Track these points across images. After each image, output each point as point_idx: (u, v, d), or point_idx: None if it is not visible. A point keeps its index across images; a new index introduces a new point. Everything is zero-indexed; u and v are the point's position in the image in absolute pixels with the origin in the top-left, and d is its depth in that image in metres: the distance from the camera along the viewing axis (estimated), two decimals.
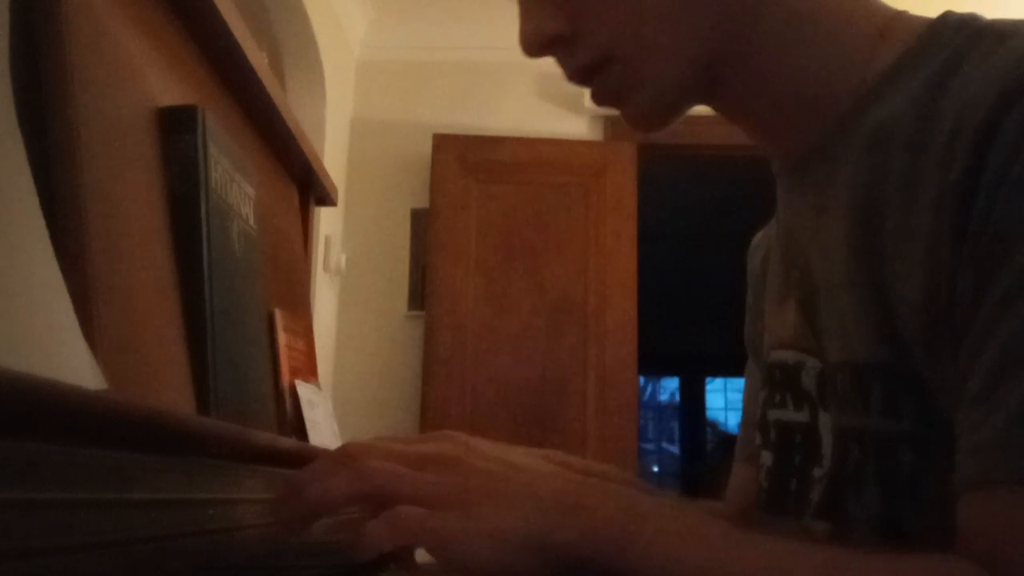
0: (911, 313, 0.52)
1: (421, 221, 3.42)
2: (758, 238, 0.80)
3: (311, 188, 1.35)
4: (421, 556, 0.52)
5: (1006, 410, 0.45)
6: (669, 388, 10.32)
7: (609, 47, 0.60)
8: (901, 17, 0.60)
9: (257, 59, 0.97)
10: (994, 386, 0.45)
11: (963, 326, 0.48)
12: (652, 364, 7.38)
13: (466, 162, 3.37)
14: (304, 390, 1.06)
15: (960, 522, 0.47)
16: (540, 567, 0.46)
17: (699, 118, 0.69)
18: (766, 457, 0.69)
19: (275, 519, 0.53)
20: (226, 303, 0.75)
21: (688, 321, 7.57)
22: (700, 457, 9.37)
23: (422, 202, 3.41)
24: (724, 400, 10.15)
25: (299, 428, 1.03)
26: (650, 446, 10.03)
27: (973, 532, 0.46)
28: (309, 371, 1.14)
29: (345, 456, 0.51)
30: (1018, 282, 0.45)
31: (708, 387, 9.82)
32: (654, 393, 10.38)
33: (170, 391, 0.63)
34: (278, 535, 0.57)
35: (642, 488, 0.77)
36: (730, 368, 9.01)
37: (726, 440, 9.65)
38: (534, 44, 0.61)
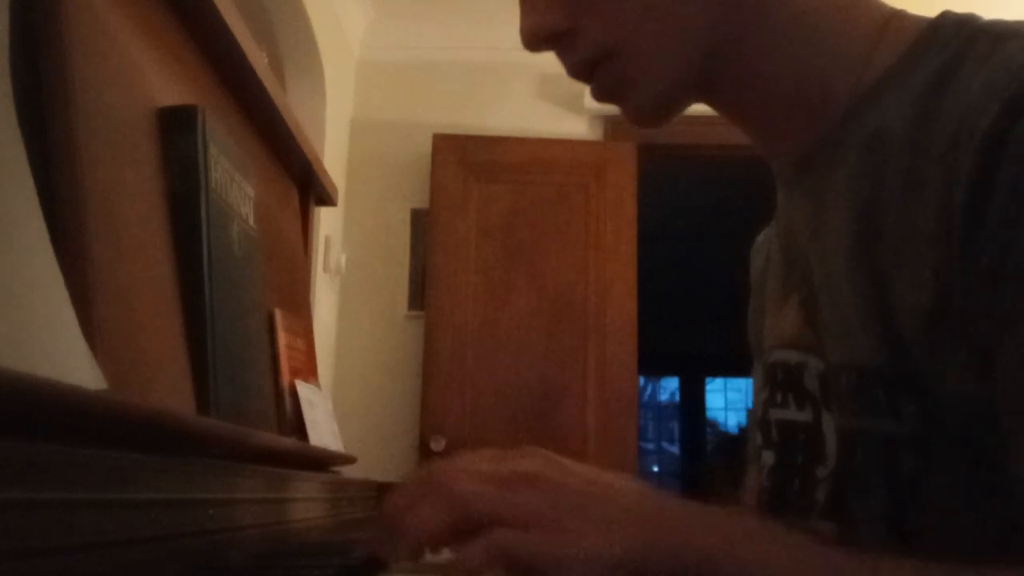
0: (912, 314, 0.52)
1: (421, 221, 3.42)
2: (760, 238, 0.80)
3: (311, 188, 1.35)
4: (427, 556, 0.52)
5: None
6: (669, 388, 10.32)
7: (608, 42, 0.60)
8: (899, 16, 0.60)
9: (257, 59, 0.97)
10: None
11: (977, 335, 0.48)
12: (652, 364, 7.38)
13: (466, 162, 3.36)
14: (304, 390, 1.06)
15: None
16: None
17: (699, 118, 0.69)
18: (768, 457, 0.69)
19: (379, 554, 0.53)
20: (226, 303, 0.75)
21: (688, 321, 7.57)
22: (700, 457, 9.37)
23: (422, 202, 3.41)
24: (724, 400, 10.15)
25: (299, 428, 1.03)
26: (650, 446, 10.03)
27: None
28: (309, 371, 1.14)
29: (435, 481, 0.50)
30: None
31: (708, 387, 9.83)
32: (654, 393, 10.38)
33: (170, 391, 0.63)
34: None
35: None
36: (730, 368, 9.02)
37: (726, 440, 9.66)
38: (534, 39, 0.62)
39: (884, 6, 0.61)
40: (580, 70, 0.62)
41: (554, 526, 0.47)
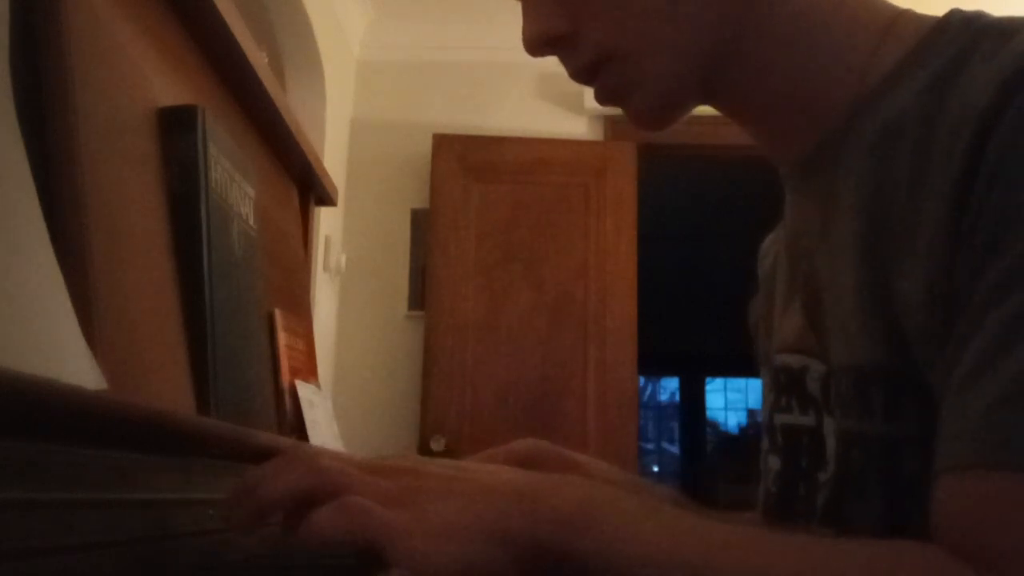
0: (914, 313, 0.51)
1: (421, 221, 3.42)
2: (768, 241, 0.80)
3: (311, 188, 1.35)
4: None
5: (986, 397, 0.44)
6: (669, 388, 10.32)
7: (609, 46, 0.60)
8: (906, 15, 0.60)
9: (257, 59, 0.97)
10: (978, 374, 0.45)
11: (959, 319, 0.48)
12: (652, 364, 7.38)
13: (466, 162, 3.36)
14: (304, 390, 1.06)
15: (933, 504, 0.46)
16: (496, 559, 0.45)
17: (699, 118, 0.69)
18: (773, 461, 0.69)
19: (226, 518, 0.52)
20: (226, 303, 0.75)
21: (688, 321, 7.57)
22: (700, 457, 9.37)
23: (422, 202, 3.41)
24: (724, 400, 10.15)
25: (299, 428, 1.03)
26: (650, 446, 10.03)
27: (944, 516, 0.45)
28: (309, 371, 1.14)
29: (296, 456, 0.50)
30: (1008, 272, 0.45)
31: (708, 387, 9.83)
32: (654, 393, 10.38)
33: (170, 391, 0.63)
34: (232, 535, 0.56)
35: (643, 486, 0.77)
36: (730, 368, 9.02)
37: (726, 440, 9.67)
38: (536, 44, 0.62)
39: (891, 6, 0.61)
40: (583, 74, 0.62)
41: (413, 505, 0.46)
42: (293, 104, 1.99)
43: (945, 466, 0.46)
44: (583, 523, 0.46)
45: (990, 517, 0.43)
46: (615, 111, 0.63)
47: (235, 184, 0.81)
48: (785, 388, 0.66)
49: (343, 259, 3.37)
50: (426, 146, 3.39)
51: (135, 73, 0.69)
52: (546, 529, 0.46)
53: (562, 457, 0.70)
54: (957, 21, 0.56)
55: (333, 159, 3.26)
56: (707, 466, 9.02)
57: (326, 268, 3.20)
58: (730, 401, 10.11)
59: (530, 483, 0.48)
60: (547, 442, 0.70)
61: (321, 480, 0.47)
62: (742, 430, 9.58)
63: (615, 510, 0.47)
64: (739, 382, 9.76)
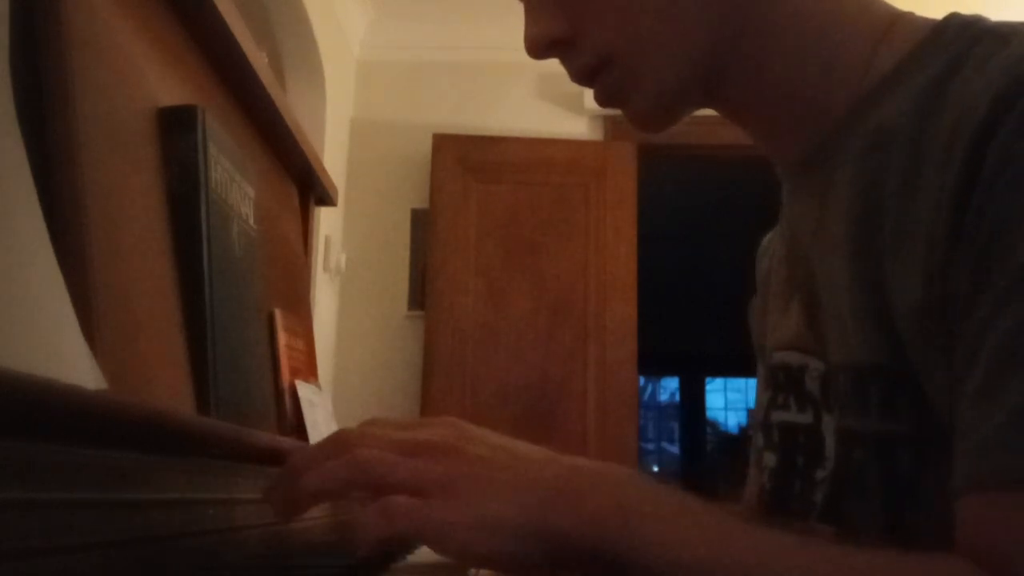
0: (908, 314, 0.52)
1: (421, 221, 3.42)
2: (766, 240, 0.80)
3: (311, 188, 1.35)
4: (424, 555, 0.51)
5: (1006, 410, 0.44)
6: (669, 388, 10.32)
7: (609, 48, 0.60)
8: (905, 18, 0.60)
9: (257, 59, 0.97)
10: (993, 385, 0.45)
11: (959, 326, 0.48)
12: (652, 364, 7.38)
13: (466, 162, 3.36)
14: (304, 390, 1.06)
15: (958, 523, 0.46)
16: (537, 554, 0.46)
17: (699, 118, 0.69)
18: (769, 459, 0.69)
19: (269, 503, 0.52)
20: (226, 303, 0.75)
21: (688, 321, 7.57)
22: (700, 457, 9.38)
23: (422, 202, 3.41)
24: (724, 400, 10.15)
25: (299, 428, 1.03)
26: (650, 446, 10.03)
27: (971, 534, 0.46)
28: (309, 371, 1.14)
29: (340, 443, 0.50)
30: (1015, 281, 0.45)
31: (708, 387, 9.83)
32: (654, 393, 10.38)
33: (170, 391, 0.63)
34: (274, 519, 0.57)
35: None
36: (730, 368, 9.03)
37: (726, 440, 9.67)
38: (537, 46, 0.62)
39: (891, 8, 0.61)
40: (583, 75, 0.63)
41: (454, 494, 0.47)
42: (293, 104, 1.99)
43: (966, 484, 0.46)
44: (623, 524, 0.46)
45: (1015, 535, 0.43)
46: (615, 111, 0.64)
47: (235, 184, 0.81)
48: (783, 386, 0.67)
49: (343, 259, 3.37)
50: (426, 146, 3.39)
51: (135, 73, 0.69)
52: (585, 528, 0.46)
53: None
54: (955, 25, 0.56)
55: (333, 159, 3.26)
56: (707, 466, 9.03)
57: (326, 268, 3.20)
58: (730, 401, 10.12)
59: (572, 478, 0.49)
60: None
61: (365, 474, 0.48)
62: (742, 430, 9.58)
63: (655, 512, 0.47)
64: (739, 382, 9.76)
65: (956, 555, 0.46)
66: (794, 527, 0.63)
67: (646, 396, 10.06)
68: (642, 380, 9.36)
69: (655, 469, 9.83)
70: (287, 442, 0.83)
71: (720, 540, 0.46)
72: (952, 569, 0.45)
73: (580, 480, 0.48)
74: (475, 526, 0.46)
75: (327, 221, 3.17)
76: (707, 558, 0.45)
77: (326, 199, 1.43)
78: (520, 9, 0.63)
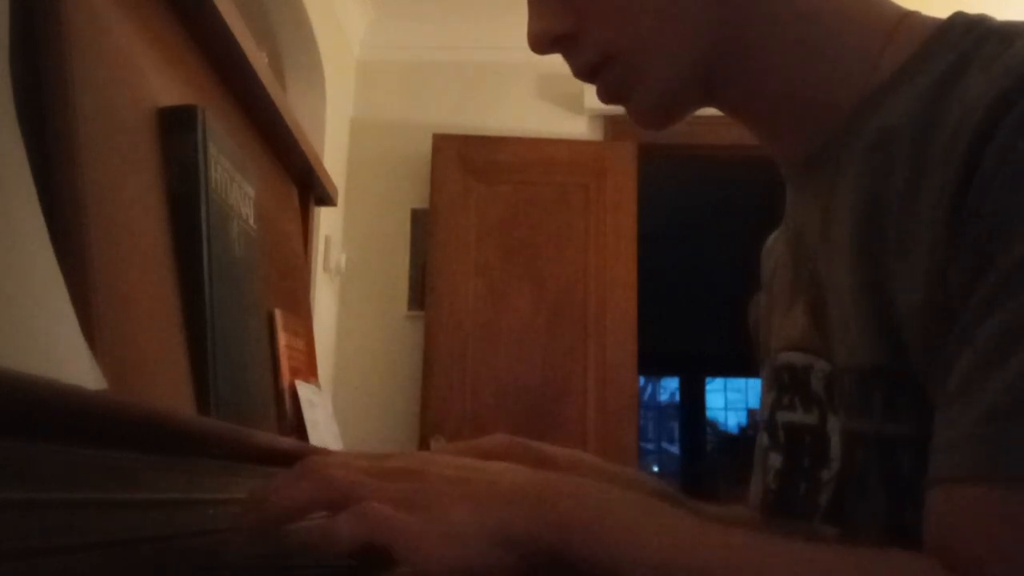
0: (912, 315, 0.51)
1: (421, 221, 3.42)
2: (771, 240, 0.80)
3: (311, 188, 1.35)
4: None
5: (978, 407, 0.44)
6: (669, 388, 10.32)
7: (612, 46, 0.60)
8: (911, 18, 0.60)
9: (257, 59, 0.97)
10: (970, 383, 0.45)
11: (955, 324, 0.48)
12: (652, 364, 7.38)
13: (466, 162, 3.36)
14: (304, 390, 1.06)
15: (924, 516, 0.47)
16: (505, 562, 0.46)
17: (700, 118, 0.69)
18: (775, 459, 0.69)
19: (240, 527, 0.53)
20: (226, 303, 0.75)
21: (688, 321, 7.57)
22: (700, 457, 9.38)
23: (422, 202, 3.41)
24: (724, 400, 10.15)
25: (299, 428, 1.03)
26: (650, 446, 10.03)
27: (936, 527, 0.46)
28: (309, 371, 1.14)
29: (308, 468, 0.51)
30: (1004, 281, 0.45)
31: (708, 387, 9.83)
32: (654, 393, 10.38)
33: (170, 391, 0.63)
34: (244, 541, 0.57)
35: (666, 491, 0.77)
36: (730, 368, 9.03)
37: (726, 440, 9.67)
38: (540, 43, 0.63)
39: (896, 7, 0.61)
40: (586, 72, 0.63)
41: (419, 507, 0.47)
42: (293, 104, 1.99)
43: (936, 477, 0.46)
44: (587, 528, 0.46)
45: (978, 529, 0.44)
46: (615, 111, 0.64)
47: (235, 184, 0.81)
48: (788, 386, 0.66)
49: (343, 259, 3.37)
50: (426, 146, 3.39)
51: (135, 73, 0.69)
52: (551, 533, 0.46)
53: (532, 452, 0.70)
54: (960, 25, 0.56)
55: (333, 159, 3.26)
56: (707, 466, 9.03)
57: (326, 268, 3.20)
58: (730, 401, 10.11)
59: (535, 486, 0.49)
60: (521, 438, 0.70)
61: (332, 491, 0.48)
62: (742, 430, 9.58)
63: (619, 516, 0.48)
64: (739, 382, 9.76)
65: (924, 554, 0.46)
66: (794, 528, 0.62)
67: (646, 396, 10.06)
68: (642, 380, 9.36)
69: (655, 469, 9.83)
70: (287, 442, 0.83)
71: (684, 540, 0.47)
72: (917, 569, 0.45)
73: (543, 487, 0.49)
74: (444, 536, 0.46)
75: (327, 221, 3.17)
76: (671, 558, 0.46)
77: (326, 199, 1.43)
78: (521, 8, 0.63)
